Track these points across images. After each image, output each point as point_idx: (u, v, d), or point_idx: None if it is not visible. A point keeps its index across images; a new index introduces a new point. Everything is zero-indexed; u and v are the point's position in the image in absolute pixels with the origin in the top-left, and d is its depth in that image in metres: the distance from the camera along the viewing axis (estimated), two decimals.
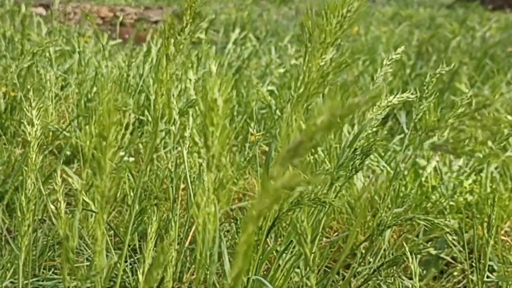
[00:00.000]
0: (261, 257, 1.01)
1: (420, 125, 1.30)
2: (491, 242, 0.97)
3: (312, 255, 1.35)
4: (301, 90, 0.65)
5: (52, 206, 1.04)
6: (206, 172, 0.61)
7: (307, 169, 0.90)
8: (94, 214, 1.44)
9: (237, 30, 3.01)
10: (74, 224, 0.65)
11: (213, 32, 4.81)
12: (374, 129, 1.20)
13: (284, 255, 1.17)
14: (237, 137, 2.42)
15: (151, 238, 0.80)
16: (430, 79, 1.30)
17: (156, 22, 6.54)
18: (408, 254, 0.96)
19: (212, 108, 0.60)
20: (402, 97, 1.23)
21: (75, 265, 0.75)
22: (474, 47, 3.83)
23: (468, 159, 2.03)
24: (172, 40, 0.74)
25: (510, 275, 0.96)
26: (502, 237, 1.62)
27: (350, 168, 1.12)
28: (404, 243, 1.53)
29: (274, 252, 1.19)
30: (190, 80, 2.49)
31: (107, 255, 1.16)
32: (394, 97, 1.23)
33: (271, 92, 2.86)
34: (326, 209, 1.38)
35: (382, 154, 2.19)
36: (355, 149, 1.13)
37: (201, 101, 0.61)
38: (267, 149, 2.06)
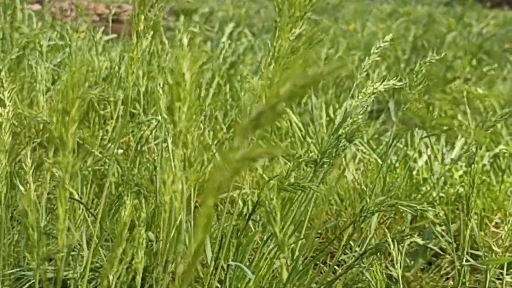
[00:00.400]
0: (241, 245, 1.00)
1: (409, 114, 1.29)
2: (470, 225, 0.96)
3: (299, 242, 1.34)
4: (272, 66, 0.63)
5: (22, 188, 1.02)
6: (173, 149, 0.60)
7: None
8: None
9: (231, 24, 2.99)
10: (35, 200, 0.63)
11: (209, 28, 4.80)
12: (360, 117, 1.18)
13: (269, 243, 1.16)
14: (229, 130, 2.41)
15: (124, 223, 0.79)
16: (420, 67, 1.28)
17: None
18: (390, 241, 0.95)
19: (179, 82, 0.59)
20: (389, 84, 1.22)
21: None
22: (470, 42, 3.81)
23: (463, 152, 2.01)
24: (143, 17, 0.73)
25: (491, 260, 0.95)
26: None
27: (333, 154, 1.11)
28: (389, 232, 1.52)
29: (260, 241, 1.17)
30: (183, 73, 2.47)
31: (88, 244, 1.14)
32: (380, 84, 1.21)
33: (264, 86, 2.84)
34: (313, 199, 1.37)
35: (375, 147, 2.17)
36: (339, 135, 1.11)
37: (169, 75, 0.60)
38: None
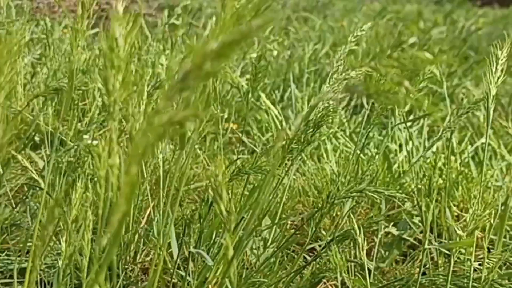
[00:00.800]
0: (203, 232, 0.97)
1: (381, 100, 1.26)
2: (443, 210, 0.93)
3: (272, 231, 1.30)
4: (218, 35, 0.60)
5: None
6: (108, 121, 0.56)
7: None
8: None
9: (215, 18, 2.96)
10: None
11: (196, 23, 4.76)
12: (332, 103, 1.15)
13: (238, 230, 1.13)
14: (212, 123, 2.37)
15: (75, 205, 0.75)
16: (391, 52, 1.25)
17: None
18: (356, 227, 0.92)
19: (112, 48, 0.55)
20: (361, 71, 1.19)
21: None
22: (457, 37, 3.79)
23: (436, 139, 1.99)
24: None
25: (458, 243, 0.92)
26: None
27: (302, 140, 1.07)
28: (354, 218, 1.49)
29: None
30: (162, 65, 2.44)
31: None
32: (353, 71, 1.18)
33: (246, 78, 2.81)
34: (285, 187, 1.34)
35: (355, 139, 2.15)
36: (308, 121, 1.08)
37: (104, 40, 0.57)
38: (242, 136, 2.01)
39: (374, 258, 1.28)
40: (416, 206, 1.34)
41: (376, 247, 1.28)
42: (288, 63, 3.21)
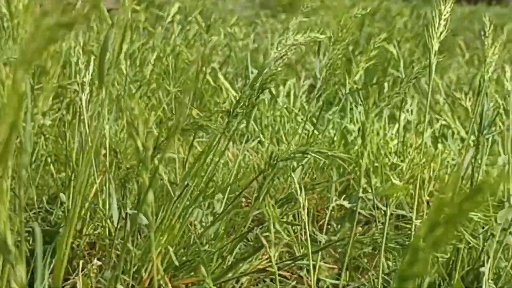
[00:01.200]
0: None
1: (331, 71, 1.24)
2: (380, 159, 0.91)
3: (223, 203, 1.28)
4: None
5: None
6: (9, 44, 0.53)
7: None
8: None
9: (177, 5, 2.93)
10: None
11: (161, 13, 4.72)
12: (280, 68, 1.13)
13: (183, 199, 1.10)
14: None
15: None
16: (344, 21, 1.24)
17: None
18: (297, 185, 0.89)
19: None
20: (310, 36, 1.17)
21: None
22: (421, 28, 3.81)
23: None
24: None
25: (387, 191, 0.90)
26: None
27: (247, 104, 1.05)
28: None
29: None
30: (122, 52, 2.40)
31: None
32: (301, 36, 1.16)
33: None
34: (238, 162, 1.32)
35: (318, 124, 2.13)
36: (253, 85, 1.06)
37: None
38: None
39: (324, 230, 1.27)
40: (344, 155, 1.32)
41: (327, 219, 1.27)
42: (251, 53, 3.20)
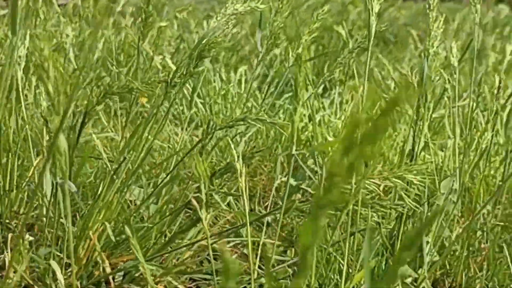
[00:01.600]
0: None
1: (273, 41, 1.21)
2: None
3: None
4: None
5: None
6: None
7: None
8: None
9: None
10: None
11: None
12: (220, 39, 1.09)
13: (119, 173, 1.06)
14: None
15: None
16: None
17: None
18: (236, 156, 0.86)
19: None
20: (250, 6, 1.14)
21: None
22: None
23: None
24: None
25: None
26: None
27: (185, 73, 1.02)
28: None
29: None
30: (68, 35, 2.34)
31: None
32: (241, 6, 1.13)
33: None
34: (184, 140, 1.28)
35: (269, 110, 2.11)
36: (191, 53, 1.03)
37: None
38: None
39: (269, 207, 1.24)
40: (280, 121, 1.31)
41: (271, 197, 1.24)
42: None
